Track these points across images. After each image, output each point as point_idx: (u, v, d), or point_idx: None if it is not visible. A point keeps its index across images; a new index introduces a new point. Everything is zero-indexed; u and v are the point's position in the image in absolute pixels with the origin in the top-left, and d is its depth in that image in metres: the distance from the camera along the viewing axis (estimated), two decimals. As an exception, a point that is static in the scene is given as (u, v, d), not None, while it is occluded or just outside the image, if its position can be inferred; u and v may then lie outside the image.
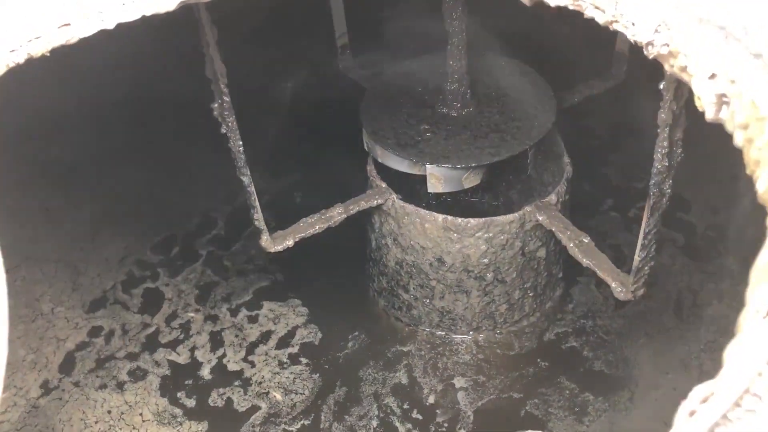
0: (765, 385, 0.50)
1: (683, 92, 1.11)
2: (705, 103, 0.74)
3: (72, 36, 0.91)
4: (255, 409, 1.73)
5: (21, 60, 0.87)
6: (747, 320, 0.53)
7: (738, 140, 0.70)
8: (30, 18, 0.90)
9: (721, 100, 0.73)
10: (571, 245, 1.54)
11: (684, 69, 0.79)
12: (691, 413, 0.48)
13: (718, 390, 0.49)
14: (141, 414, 1.73)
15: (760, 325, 0.52)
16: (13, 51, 0.87)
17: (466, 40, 1.61)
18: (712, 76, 0.75)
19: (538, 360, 1.76)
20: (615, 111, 2.13)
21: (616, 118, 2.16)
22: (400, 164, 1.67)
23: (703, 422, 0.47)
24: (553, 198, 1.63)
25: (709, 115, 0.74)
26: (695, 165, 1.85)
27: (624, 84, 1.88)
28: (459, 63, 1.64)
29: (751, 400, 0.49)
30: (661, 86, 1.10)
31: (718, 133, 0.76)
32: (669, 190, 1.29)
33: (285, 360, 1.82)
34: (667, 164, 1.23)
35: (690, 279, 1.85)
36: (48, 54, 0.89)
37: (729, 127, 0.72)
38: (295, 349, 1.84)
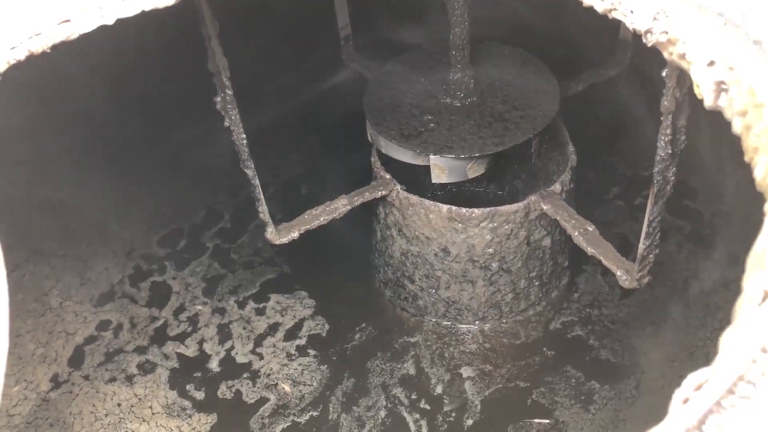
0: (759, 372, 0.50)
1: (686, 79, 1.10)
2: (704, 90, 0.74)
3: (72, 32, 0.91)
4: (264, 400, 1.74)
5: (22, 57, 0.88)
6: (742, 307, 0.53)
7: (736, 127, 0.70)
8: (30, 15, 0.91)
9: (720, 87, 0.73)
10: (576, 234, 1.54)
11: (683, 56, 0.78)
12: (685, 401, 0.48)
13: (712, 377, 0.49)
14: (150, 407, 1.74)
15: (754, 313, 0.52)
16: (13, 48, 0.88)
17: (469, 29, 1.60)
18: (711, 63, 0.75)
19: (544, 349, 1.77)
20: (620, 98, 2.13)
21: (622, 106, 2.15)
22: (403, 155, 1.67)
23: (697, 409, 0.47)
24: (557, 187, 1.63)
25: (708, 103, 0.73)
26: (701, 152, 1.86)
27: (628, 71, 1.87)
28: (462, 53, 1.64)
29: (745, 387, 0.49)
30: (664, 73, 1.09)
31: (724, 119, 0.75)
32: (673, 178, 1.28)
33: (293, 352, 1.83)
34: (670, 152, 1.22)
35: (696, 267, 1.84)
36: (48, 50, 0.90)
37: (728, 114, 0.71)
38: (302, 341, 1.85)
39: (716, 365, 0.50)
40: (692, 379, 0.49)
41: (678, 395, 0.49)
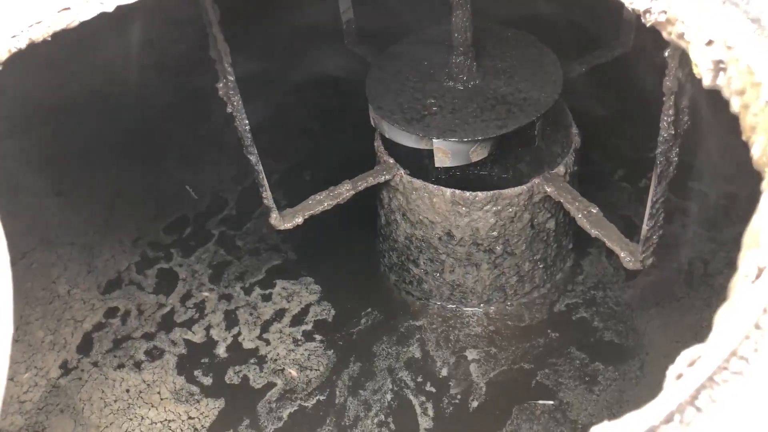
0: (752, 348, 0.50)
1: (688, 59, 1.09)
2: (702, 69, 0.74)
3: (72, 20, 0.92)
4: (271, 385, 1.75)
5: (23, 45, 0.88)
6: (737, 285, 0.53)
7: (734, 106, 0.70)
8: (30, 3, 0.91)
9: (718, 67, 0.73)
10: (580, 216, 1.54)
11: (681, 36, 0.78)
12: (678, 376, 0.48)
13: (706, 353, 0.49)
14: (159, 392, 1.76)
15: (748, 290, 0.52)
16: (14, 36, 0.88)
17: (471, 12, 1.60)
18: (709, 42, 0.74)
19: (549, 331, 1.77)
20: (625, 79, 2.12)
21: (626, 87, 2.14)
22: (407, 139, 1.67)
23: (690, 385, 0.48)
24: (561, 169, 1.63)
25: (706, 82, 0.73)
26: (707, 133, 1.85)
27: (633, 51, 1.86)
28: (464, 35, 1.63)
29: (738, 363, 0.49)
30: (667, 54, 1.09)
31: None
32: (676, 159, 1.28)
33: (299, 337, 1.84)
34: (673, 132, 1.22)
35: (701, 248, 1.84)
36: (49, 39, 0.90)
37: (726, 93, 0.71)
38: (309, 326, 1.86)
39: (710, 341, 0.50)
40: (686, 355, 0.49)
41: (672, 371, 0.49)
